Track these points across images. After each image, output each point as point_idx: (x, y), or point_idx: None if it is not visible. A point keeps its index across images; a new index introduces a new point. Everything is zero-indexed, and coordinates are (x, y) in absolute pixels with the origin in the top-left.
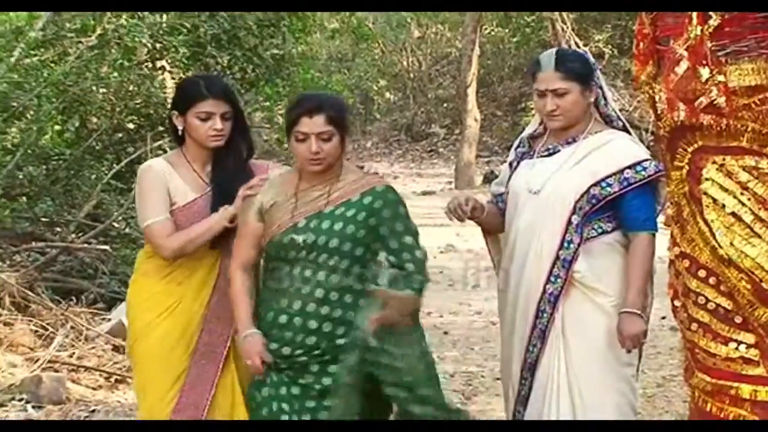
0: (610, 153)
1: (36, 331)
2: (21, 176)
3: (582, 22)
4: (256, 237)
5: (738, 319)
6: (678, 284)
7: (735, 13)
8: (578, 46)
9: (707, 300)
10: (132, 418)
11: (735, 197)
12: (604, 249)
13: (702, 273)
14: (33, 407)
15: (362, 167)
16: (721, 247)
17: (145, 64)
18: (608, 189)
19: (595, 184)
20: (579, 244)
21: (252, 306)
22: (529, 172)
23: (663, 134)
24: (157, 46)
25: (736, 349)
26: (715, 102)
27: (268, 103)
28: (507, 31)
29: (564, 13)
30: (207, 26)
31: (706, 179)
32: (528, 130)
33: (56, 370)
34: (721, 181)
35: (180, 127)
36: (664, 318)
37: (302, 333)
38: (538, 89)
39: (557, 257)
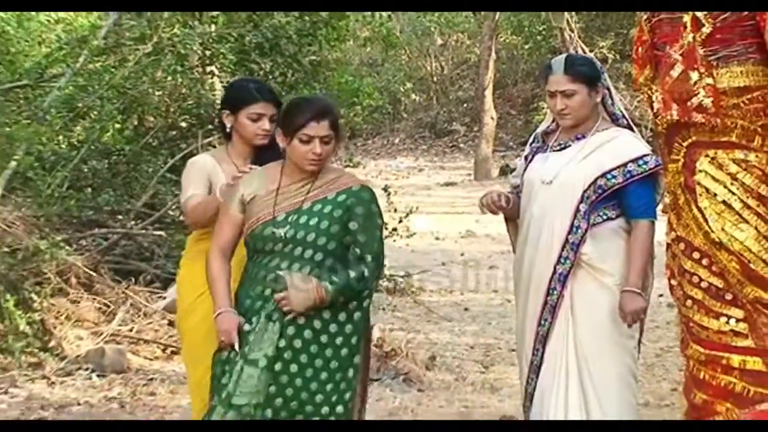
0: (615, 148)
1: (100, 308)
2: (86, 170)
3: (588, 30)
4: (236, 226)
5: (728, 296)
6: (674, 265)
7: (726, 21)
8: (584, 52)
9: (701, 279)
10: (184, 385)
11: (725, 187)
12: (608, 234)
13: (696, 255)
14: (97, 376)
15: (346, 165)
16: (713, 231)
17: (196, 69)
18: (613, 180)
19: (601, 176)
20: (586, 230)
21: (229, 288)
22: (542, 164)
23: (660, 131)
24: (207, 53)
25: (727, 323)
26: (704, 102)
27: None
28: (520, 38)
29: (571, 22)
30: (251, 35)
31: (700, 171)
32: (541, 127)
33: (118, 343)
34: (713, 172)
35: (229, 126)
36: (661, 295)
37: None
38: (549, 90)
39: (566, 241)
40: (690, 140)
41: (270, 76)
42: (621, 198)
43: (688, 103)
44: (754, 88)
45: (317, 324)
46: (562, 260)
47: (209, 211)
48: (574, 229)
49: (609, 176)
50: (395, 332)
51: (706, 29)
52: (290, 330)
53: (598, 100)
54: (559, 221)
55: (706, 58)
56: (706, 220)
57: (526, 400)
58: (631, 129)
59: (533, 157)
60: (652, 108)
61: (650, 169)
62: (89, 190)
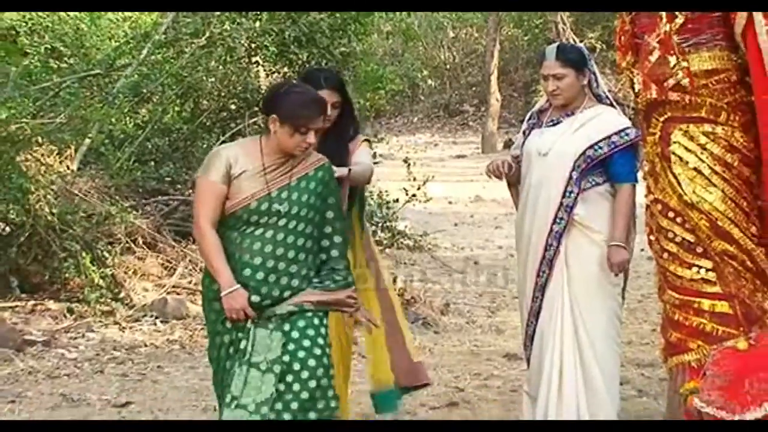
0: (600, 123)
1: (162, 264)
2: (149, 146)
3: (578, 23)
4: (221, 197)
5: (699, 249)
6: (652, 223)
7: (696, 13)
8: (575, 42)
9: (675, 235)
10: None
11: (696, 156)
12: (596, 197)
13: (671, 214)
14: (161, 322)
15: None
16: (686, 194)
17: (243, 59)
18: (600, 150)
19: (589, 147)
20: (578, 194)
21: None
22: (538, 138)
23: (640, 108)
24: (252, 45)
25: (698, 272)
26: (680, 82)
27: None
28: (520, 31)
29: (564, 17)
30: (290, 30)
31: (674, 142)
32: (537, 106)
33: (178, 294)
34: (685, 143)
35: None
36: (642, 250)
37: (274, 286)
38: (543, 74)
39: (561, 204)
40: (666, 116)
41: (306, 65)
42: (607, 166)
43: (665, 84)
44: (721, 71)
45: (317, 322)
46: (558, 220)
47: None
48: (568, 194)
49: (596, 147)
50: (415, 283)
51: (679, 20)
52: (294, 334)
53: (585, 82)
54: (554, 187)
55: (680, 45)
56: (679, 184)
57: (526, 340)
58: (614, 107)
59: (530, 132)
60: (633, 89)
61: (631, 140)
62: (152, 163)
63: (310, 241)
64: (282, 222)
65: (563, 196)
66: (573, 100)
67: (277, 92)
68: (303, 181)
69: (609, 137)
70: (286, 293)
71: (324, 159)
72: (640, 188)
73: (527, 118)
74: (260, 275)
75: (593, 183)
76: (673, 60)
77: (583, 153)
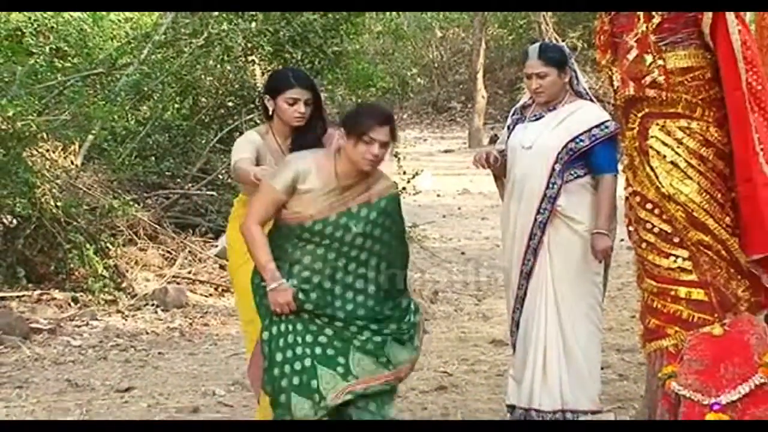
0: (581, 117)
1: (163, 255)
2: (150, 142)
3: (560, 23)
4: (278, 206)
5: (676, 239)
6: (631, 214)
7: (672, 13)
8: (557, 41)
9: (653, 225)
10: (233, 317)
11: (673, 150)
12: (578, 188)
13: (649, 206)
14: (162, 310)
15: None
16: (663, 186)
17: (240, 58)
18: (581, 143)
19: (571, 140)
20: (560, 185)
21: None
22: (522, 133)
23: (619, 104)
24: (249, 45)
25: (675, 261)
26: (656, 80)
27: (330, 87)
28: (505, 31)
29: (547, 17)
30: (285, 30)
31: (652, 137)
32: (520, 102)
33: (178, 283)
34: (662, 137)
35: (270, 108)
36: (622, 240)
37: (318, 301)
38: (526, 72)
39: (544, 195)
40: (643, 112)
41: (300, 64)
42: (588, 158)
43: (642, 81)
44: (696, 68)
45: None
46: (541, 211)
47: (246, 179)
48: (551, 185)
49: (578, 140)
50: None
51: (656, 20)
52: (357, 342)
53: (566, 80)
54: (538, 179)
55: (657, 44)
56: (657, 177)
57: (512, 326)
58: (594, 102)
59: (514, 127)
60: (612, 86)
61: (611, 132)
62: (153, 158)
63: (363, 268)
64: (335, 245)
65: (546, 188)
66: (555, 97)
67: (349, 111)
68: (364, 209)
69: (589, 130)
70: (330, 308)
71: (391, 188)
72: (620, 180)
73: (511, 113)
74: (306, 287)
75: (575, 175)
76: (649, 58)
77: (565, 146)
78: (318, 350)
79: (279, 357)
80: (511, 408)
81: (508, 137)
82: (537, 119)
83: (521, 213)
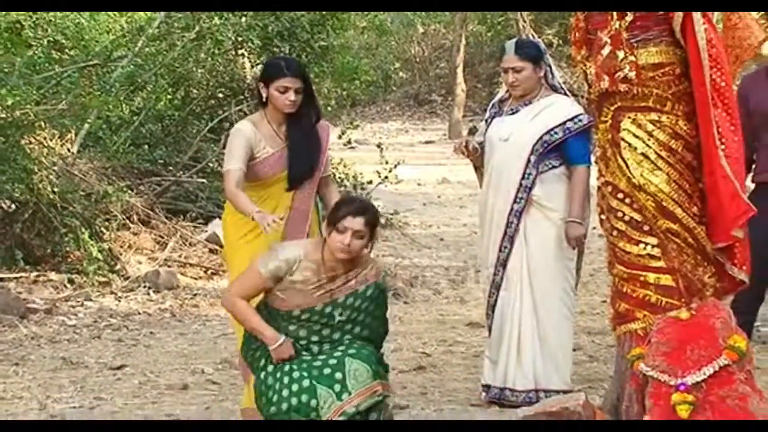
0: (556, 110)
1: (155, 239)
2: (144, 131)
3: (537, 21)
4: (261, 290)
5: (646, 228)
6: (603, 204)
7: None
8: (534, 38)
9: (624, 214)
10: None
11: (643, 142)
12: (553, 178)
13: (620, 195)
14: (153, 292)
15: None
16: (634, 177)
17: (230, 51)
18: (555, 136)
19: (546, 133)
20: (536, 176)
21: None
22: (499, 126)
23: (593, 98)
24: (239, 39)
25: (644, 248)
26: (628, 75)
27: (316, 80)
28: (484, 27)
29: (524, 15)
30: (273, 25)
31: (623, 129)
32: (497, 96)
33: (169, 266)
34: (633, 130)
35: (264, 96)
36: (594, 228)
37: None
38: (503, 67)
39: (520, 185)
40: (616, 105)
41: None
42: (562, 149)
43: (615, 76)
44: (666, 64)
45: None
46: (518, 200)
47: (237, 206)
48: (527, 176)
49: (552, 133)
50: (386, 258)
51: (629, 17)
52: (351, 350)
53: (542, 74)
54: (514, 170)
55: (629, 41)
56: (628, 168)
57: (488, 309)
58: (568, 96)
59: (492, 120)
60: (587, 80)
61: (584, 125)
62: (146, 146)
63: (347, 338)
64: (317, 327)
65: (522, 178)
66: (531, 91)
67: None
68: (350, 298)
69: (564, 123)
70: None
71: (378, 275)
72: (594, 171)
73: (489, 107)
74: (296, 374)
75: (550, 166)
76: (622, 54)
77: (540, 138)
78: (315, 372)
79: (277, 386)
80: (486, 387)
81: (486, 130)
82: (513, 113)
83: (498, 202)
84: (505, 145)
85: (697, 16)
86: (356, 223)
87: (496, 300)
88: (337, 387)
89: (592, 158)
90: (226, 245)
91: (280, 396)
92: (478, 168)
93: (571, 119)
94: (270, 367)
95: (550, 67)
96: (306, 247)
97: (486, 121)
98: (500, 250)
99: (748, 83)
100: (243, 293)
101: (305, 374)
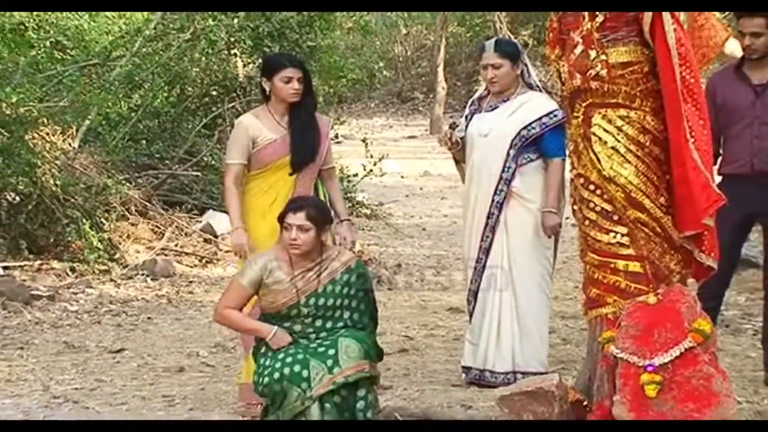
0: (532, 106)
1: (152, 229)
2: (141, 127)
3: (513, 22)
4: (246, 299)
5: (615, 217)
6: (576, 195)
7: (614, 13)
8: (510, 38)
9: (595, 204)
10: (216, 286)
11: (613, 136)
12: (531, 171)
13: (592, 187)
14: (151, 279)
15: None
16: (604, 169)
17: (223, 51)
18: (532, 130)
19: (523, 128)
20: (515, 169)
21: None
22: (479, 122)
23: (566, 95)
24: (231, 39)
25: (614, 237)
26: (599, 73)
27: None
28: (464, 29)
29: (501, 16)
30: (264, 26)
31: (594, 124)
32: (477, 94)
33: (166, 255)
34: (604, 125)
35: (268, 89)
36: (567, 218)
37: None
38: (483, 64)
39: (501, 178)
40: (587, 102)
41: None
42: (539, 143)
43: (587, 74)
44: (635, 63)
45: None
46: (498, 192)
47: (227, 203)
48: (506, 169)
49: (529, 127)
50: (371, 246)
51: (600, 19)
52: (346, 331)
53: (518, 72)
54: (494, 163)
55: (600, 41)
56: (599, 161)
57: (469, 296)
58: (543, 93)
59: (472, 116)
60: (560, 78)
61: (559, 120)
62: (144, 142)
63: (339, 324)
64: (309, 320)
65: (502, 171)
66: (508, 88)
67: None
68: (330, 286)
69: (540, 119)
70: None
71: (351, 261)
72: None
73: (469, 104)
74: (291, 350)
75: (528, 159)
76: (593, 53)
77: (518, 133)
78: (310, 350)
79: (271, 361)
80: (467, 369)
81: (467, 126)
82: (492, 109)
83: (480, 194)
84: (485, 141)
85: (666, 16)
86: (297, 218)
87: (478, 286)
88: (330, 362)
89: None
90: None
91: (273, 368)
92: (459, 162)
93: (547, 114)
94: (270, 351)
95: (527, 66)
96: (274, 251)
97: (465, 117)
98: (482, 240)
99: (716, 80)
100: (231, 305)
101: (300, 350)
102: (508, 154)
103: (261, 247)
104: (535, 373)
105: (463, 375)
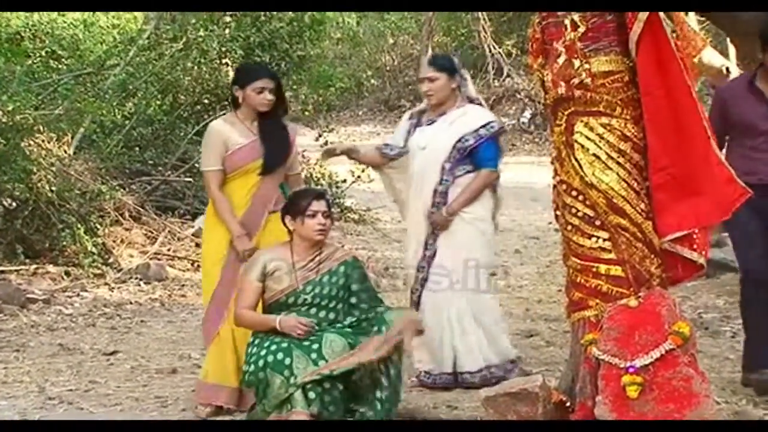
0: (469, 119)
1: (146, 234)
2: (135, 134)
3: (497, 32)
4: (258, 291)
5: (597, 222)
6: (558, 200)
7: (595, 24)
8: (494, 48)
9: (577, 210)
10: None
11: (595, 144)
12: (467, 182)
13: (574, 193)
14: (144, 283)
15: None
16: (586, 175)
17: (215, 61)
18: (467, 143)
19: (459, 141)
20: (452, 181)
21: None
22: (419, 135)
23: (548, 103)
24: (222, 49)
25: (596, 241)
26: (583, 81)
27: (295, 87)
28: (449, 38)
29: (485, 25)
30: (255, 36)
31: (577, 132)
32: (418, 107)
33: (159, 259)
34: (586, 133)
35: (240, 98)
36: (550, 223)
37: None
38: (420, 77)
39: (437, 190)
40: (570, 110)
41: (268, 66)
42: (474, 155)
43: (571, 83)
44: (616, 72)
45: None
46: (435, 204)
47: (219, 210)
48: (443, 181)
49: (464, 140)
50: (359, 250)
51: (582, 29)
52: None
53: (455, 86)
54: (432, 176)
55: (582, 50)
56: (581, 168)
57: (413, 306)
58: (481, 105)
59: (414, 129)
60: (543, 87)
61: (495, 132)
62: (137, 149)
63: (335, 318)
64: (313, 310)
65: (439, 183)
66: (445, 101)
67: (287, 199)
68: (326, 276)
69: (476, 131)
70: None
71: (348, 255)
72: (546, 170)
73: (407, 117)
74: (277, 339)
75: (464, 171)
76: (577, 63)
77: (454, 146)
78: (295, 341)
79: (257, 350)
80: (427, 374)
81: (407, 138)
82: (431, 123)
83: (420, 205)
84: (423, 153)
85: (665, 24)
86: (322, 204)
87: (419, 295)
88: (314, 355)
89: (545, 158)
90: (204, 262)
91: (258, 356)
92: (375, 167)
93: (483, 126)
94: (257, 340)
95: (466, 80)
96: (276, 248)
97: (407, 132)
98: (426, 248)
99: (728, 91)
100: (247, 305)
101: (285, 339)
102: (443, 167)
103: (222, 250)
104: (503, 364)
105: (424, 379)
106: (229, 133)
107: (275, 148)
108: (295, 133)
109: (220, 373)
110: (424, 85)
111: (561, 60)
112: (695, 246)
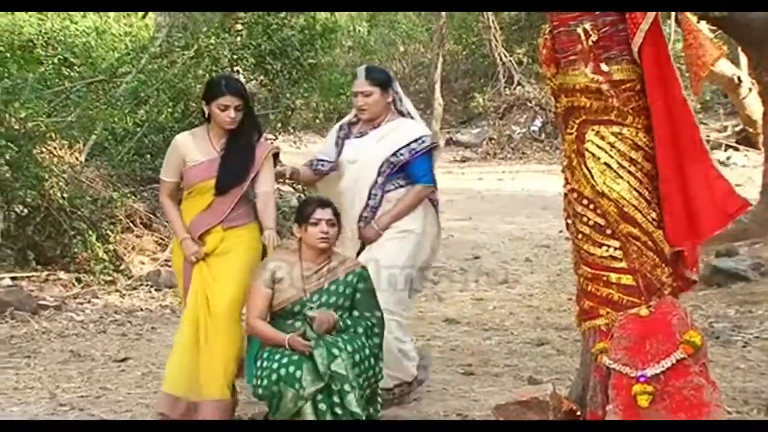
0: (401, 133)
1: (156, 241)
2: (146, 141)
3: (508, 41)
4: (267, 298)
5: (608, 231)
6: (569, 209)
7: (607, 32)
8: (505, 55)
9: (588, 219)
10: None
11: (606, 152)
12: (398, 197)
13: (585, 201)
14: (155, 290)
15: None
16: (597, 184)
17: (226, 68)
18: (400, 157)
19: (392, 155)
20: (382, 196)
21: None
22: (349, 148)
23: (559, 112)
24: (234, 57)
25: (607, 250)
26: (599, 89)
27: (306, 95)
28: (460, 47)
29: (496, 34)
30: (266, 44)
31: (588, 141)
32: (346, 119)
33: (170, 266)
34: (597, 141)
35: (207, 112)
36: (560, 231)
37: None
38: (353, 91)
39: (367, 204)
40: (581, 119)
41: (280, 74)
42: (407, 169)
43: (583, 91)
44: (627, 81)
45: None
46: (363, 218)
47: (167, 215)
48: (373, 196)
49: (398, 154)
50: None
51: (593, 38)
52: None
53: (389, 100)
54: (362, 190)
55: (595, 59)
56: (592, 176)
57: None
58: (415, 120)
59: (344, 142)
60: (554, 95)
61: (428, 146)
62: (149, 156)
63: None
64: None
65: (369, 198)
66: (378, 115)
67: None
68: (333, 285)
69: (409, 144)
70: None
71: (357, 265)
72: (556, 179)
73: (337, 128)
74: (287, 352)
75: (396, 186)
76: (589, 71)
77: (386, 160)
78: (304, 355)
79: (268, 363)
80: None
81: (338, 152)
82: (361, 136)
83: (349, 220)
84: (353, 167)
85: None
86: (327, 213)
87: None
88: (321, 368)
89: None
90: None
91: (270, 369)
92: (308, 184)
93: (416, 140)
94: (266, 353)
95: (399, 94)
96: (284, 256)
97: (336, 144)
98: (358, 255)
99: None
100: (258, 313)
101: (295, 352)
102: (375, 181)
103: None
104: (410, 382)
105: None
106: (189, 149)
107: (231, 168)
108: (268, 152)
109: (174, 383)
110: (359, 99)
111: (573, 68)
112: (687, 263)
